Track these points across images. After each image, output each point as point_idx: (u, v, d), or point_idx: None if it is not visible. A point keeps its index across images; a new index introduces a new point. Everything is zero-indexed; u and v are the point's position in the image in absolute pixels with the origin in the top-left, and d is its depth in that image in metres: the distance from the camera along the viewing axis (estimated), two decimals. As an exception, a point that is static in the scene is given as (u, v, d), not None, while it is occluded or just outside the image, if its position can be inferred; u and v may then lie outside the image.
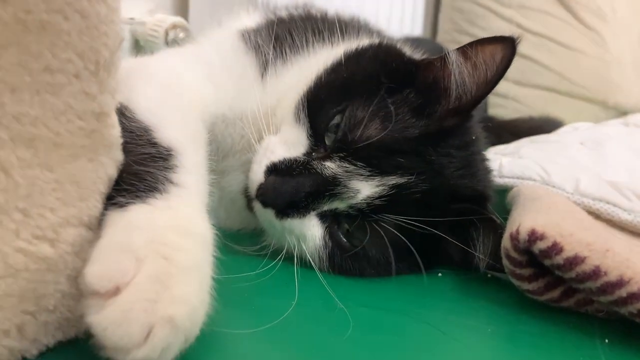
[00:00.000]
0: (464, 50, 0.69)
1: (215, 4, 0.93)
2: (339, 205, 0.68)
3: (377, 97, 0.69)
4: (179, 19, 1.44)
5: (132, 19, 1.46)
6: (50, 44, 0.42)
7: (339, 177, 0.66)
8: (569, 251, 0.58)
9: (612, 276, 0.56)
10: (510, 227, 0.64)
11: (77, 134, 0.45)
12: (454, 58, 0.69)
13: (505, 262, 0.65)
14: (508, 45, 0.67)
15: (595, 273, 0.56)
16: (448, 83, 0.70)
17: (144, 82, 0.65)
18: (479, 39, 0.69)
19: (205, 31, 0.93)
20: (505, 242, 0.64)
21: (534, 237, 0.60)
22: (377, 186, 0.67)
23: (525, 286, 0.64)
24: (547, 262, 0.60)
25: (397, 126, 0.68)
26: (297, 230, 0.69)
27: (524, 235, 0.60)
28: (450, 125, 0.71)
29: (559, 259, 0.58)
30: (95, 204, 0.48)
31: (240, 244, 0.72)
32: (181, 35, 1.42)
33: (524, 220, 0.62)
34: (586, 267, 0.57)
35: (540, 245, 0.59)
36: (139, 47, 1.47)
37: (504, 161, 0.93)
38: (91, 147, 0.47)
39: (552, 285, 0.63)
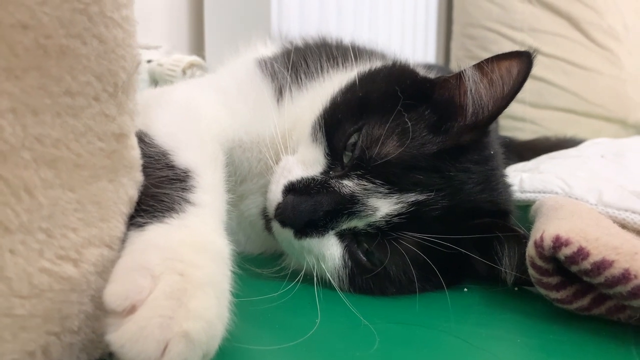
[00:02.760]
0: (480, 66, 0.70)
1: (231, 41, 0.96)
2: (358, 223, 0.67)
3: (393, 115, 0.68)
4: (195, 58, 1.48)
5: (149, 60, 1.50)
6: (70, 68, 0.43)
7: (357, 195, 0.66)
8: (595, 255, 0.56)
9: (643, 279, 0.54)
10: (534, 235, 0.63)
11: (97, 155, 0.46)
12: (470, 74, 0.70)
13: (531, 271, 0.63)
14: (524, 60, 0.67)
15: (625, 276, 0.55)
16: (464, 99, 0.71)
17: (162, 110, 0.66)
18: (496, 55, 0.69)
19: (222, 61, 0.95)
20: (530, 250, 0.62)
21: (558, 243, 0.58)
22: (396, 204, 0.66)
23: (554, 295, 0.62)
24: (574, 269, 0.58)
25: (414, 143, 0.68)
26: (316, 249, 0.68)
27: (548, 242, 0.59)
28: (468, 141, 0.71)
29: (586, 264, 0.57)
30: (116, 224, 0.49)
31: (260, 267, 0.72)
32: (198, 73, 1.46)
33: (548, 227, 0.61)
34: (615, 270, 0.55)
35: (566, 251, 0.58)
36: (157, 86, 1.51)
37: (524, 177, 0.92)
38: (111, 168, 0.48)
39: (582, 293, 0.61)
